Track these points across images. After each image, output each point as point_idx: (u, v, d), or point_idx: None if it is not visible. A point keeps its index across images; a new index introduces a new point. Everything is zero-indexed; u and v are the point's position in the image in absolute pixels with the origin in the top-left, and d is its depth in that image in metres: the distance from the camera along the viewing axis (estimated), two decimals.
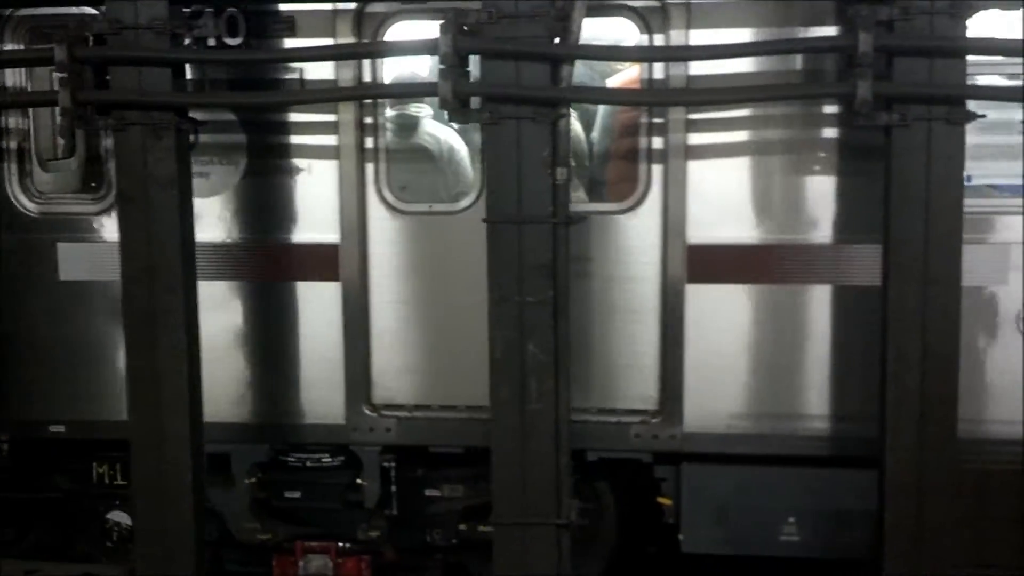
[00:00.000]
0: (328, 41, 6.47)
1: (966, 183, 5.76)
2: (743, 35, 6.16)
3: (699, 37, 6.21)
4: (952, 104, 5.50)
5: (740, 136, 6.36)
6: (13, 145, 7.00)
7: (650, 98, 6.34)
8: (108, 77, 5.96)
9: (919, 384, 5.66)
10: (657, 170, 6.40)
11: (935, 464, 5.70)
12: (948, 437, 5.70)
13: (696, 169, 6.35)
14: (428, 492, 7.04)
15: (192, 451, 6.16)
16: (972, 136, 5.71)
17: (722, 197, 6.35)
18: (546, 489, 5.89)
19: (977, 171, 6.19)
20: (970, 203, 5.77)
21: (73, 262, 6.94)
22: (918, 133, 5.51)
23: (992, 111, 5.88)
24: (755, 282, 6.42)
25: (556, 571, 5.99)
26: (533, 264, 5.72)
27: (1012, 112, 6.19)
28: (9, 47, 6.82)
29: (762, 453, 6.49)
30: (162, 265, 6.02)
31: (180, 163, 6.02)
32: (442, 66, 5.56)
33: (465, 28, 5.57)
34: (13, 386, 7.06)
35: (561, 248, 5.76)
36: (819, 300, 6.38)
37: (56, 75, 5.89)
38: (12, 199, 6.98)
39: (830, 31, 6.07)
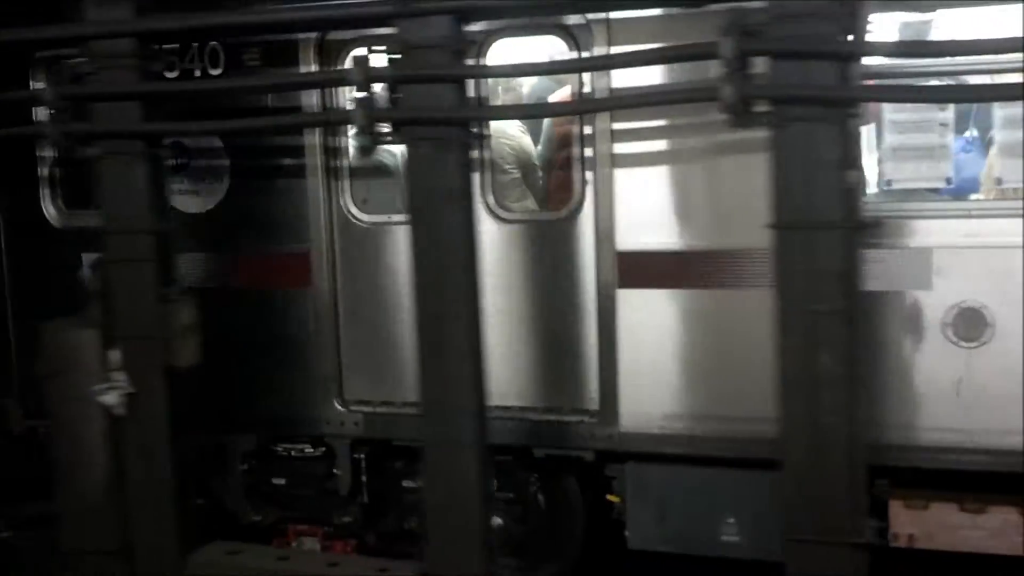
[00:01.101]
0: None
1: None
2: None
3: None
4: None
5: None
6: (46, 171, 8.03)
7: (948, 95, 5.84)
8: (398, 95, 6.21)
9: None
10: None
11: None
12: None
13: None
14: (406, 483, 7.49)
15: (478, 454, 6.31)
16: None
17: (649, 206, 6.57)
18: (840, 505, 5.63)
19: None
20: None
21: None
22: None
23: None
24: (684, 287, 6.57)
25: None
26: (824, 271, 5.44)
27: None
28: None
29: (697, 454, 6.63)
30: (450, 273, 6.20)
31: (464, 176, 6.18)
32: (725, 69, 5.39)
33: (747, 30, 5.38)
34: None
35: (853, 254, 5.48)
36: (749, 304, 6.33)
37: (353, 95, 6.22)
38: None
39: None
